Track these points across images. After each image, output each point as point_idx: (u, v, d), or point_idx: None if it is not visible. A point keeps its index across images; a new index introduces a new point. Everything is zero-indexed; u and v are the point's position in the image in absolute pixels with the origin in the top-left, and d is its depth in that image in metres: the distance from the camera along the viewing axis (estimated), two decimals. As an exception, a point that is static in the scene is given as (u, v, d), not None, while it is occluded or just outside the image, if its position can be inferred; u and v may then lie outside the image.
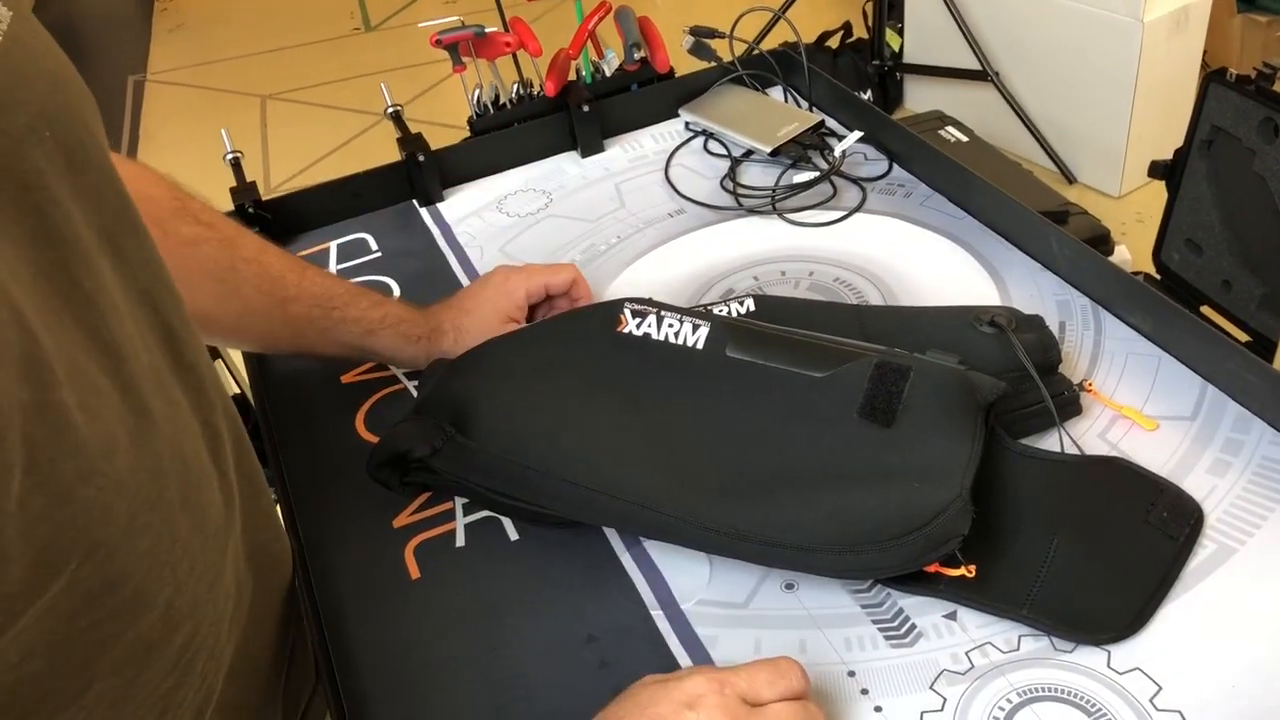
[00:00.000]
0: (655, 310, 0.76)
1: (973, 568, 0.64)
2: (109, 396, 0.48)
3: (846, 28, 2.77)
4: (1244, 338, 1.57)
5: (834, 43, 2.76)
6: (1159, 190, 1.78)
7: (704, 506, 0.66)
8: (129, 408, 0.49)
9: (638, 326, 0.76)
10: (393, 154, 1.13)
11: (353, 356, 0.87)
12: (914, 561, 0.63)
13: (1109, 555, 0.65)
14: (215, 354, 1.02)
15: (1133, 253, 1.84)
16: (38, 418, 0.43)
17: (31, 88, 0.48)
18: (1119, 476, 0.70)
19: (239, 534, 0.61)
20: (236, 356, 1.00)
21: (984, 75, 2.46)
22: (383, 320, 0.85)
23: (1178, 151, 1.72)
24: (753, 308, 0.81)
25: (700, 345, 0.74)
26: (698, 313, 0.76)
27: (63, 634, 0.47)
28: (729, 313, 0.81)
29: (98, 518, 0.46)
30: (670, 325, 0.75)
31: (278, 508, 0.75)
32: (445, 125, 1.12)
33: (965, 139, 1.98)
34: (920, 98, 2.68)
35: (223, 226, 0.81)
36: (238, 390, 1.04)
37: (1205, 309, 1.65)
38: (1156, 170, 1.76)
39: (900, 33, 2.68)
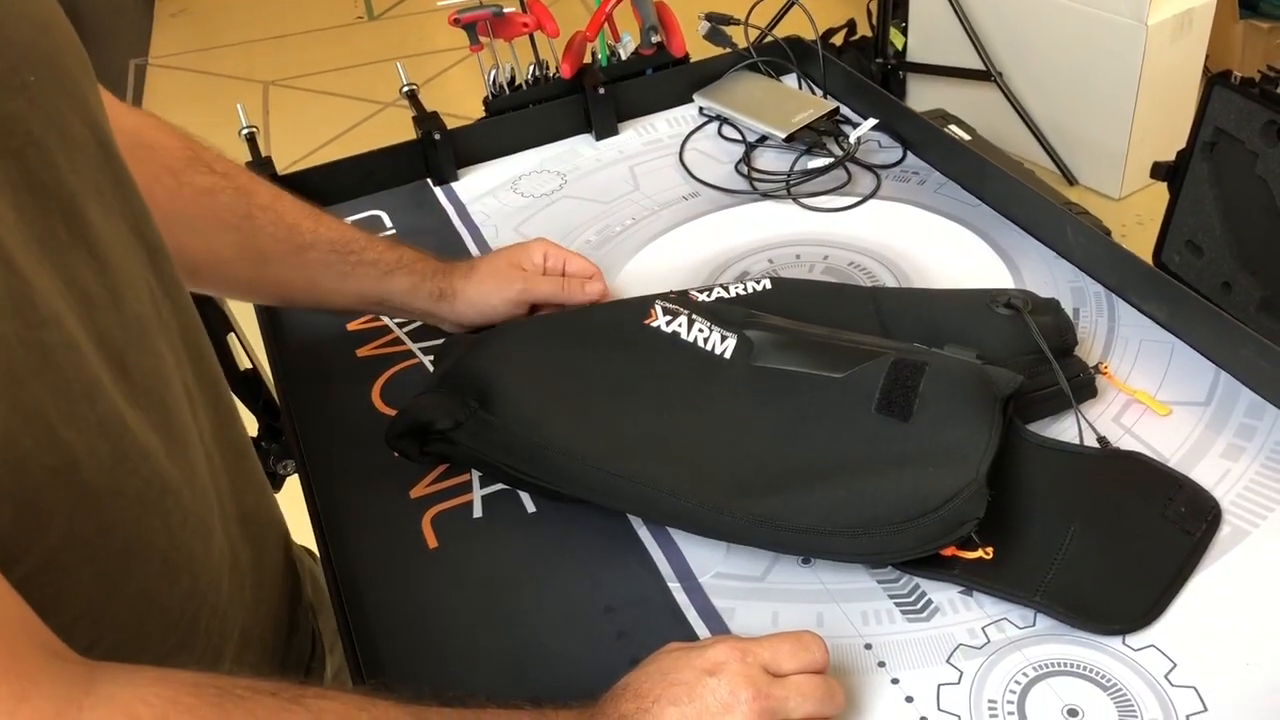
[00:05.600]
0: (686, 313, 0.76)
1: (990, 550, 0.64)
2: (86, 341, 0.48)
3: (851, 25, 2.77)
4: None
5: (838, 40, 2.77)
6: (1159, 193, 1.79)
7: (721, 497, 0.67)
8: (106, 355, 0.49)
9: (666, 324, 0.76)
10: (393, 142, 1.13)
11: (364, 307, 0.88)
12: (928, 545, 0.64)
13: (1125, 547, 0.65)
14: (229, 328, 1.02)
15: (1133, 253, 1.85)
16: (24, 354, 0.43)
17: (15, 30, 0.48)
18: (1138, 470, 0.70)
19: (227, 496, 0.61)
20: (252, 333, 1.00)
21: (987, 75, 2.47)
22: (399, 261, 0.85)
23: (1180, 153, 1.72)
24: (769, 288, 0.82)
25: (728, 355, 0.75)
26: (727, 321, 0.76)
27: (70, 587, 0.47)
28: (747, 291, 0.81)
29: (83, 460, 0.47)
30: (700, 330, 0.76)
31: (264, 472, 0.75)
32: (448, 114, 1.12)
33: (968, 138, 1.99)
34: (923, 96, 2.68)
35: (237, 175, 0.81)
36: (250, 365, 1.04)
37: (1206, 309, 1.66)
38: (1159, 171, 1.77)
39: (904, 31, 2.68)
